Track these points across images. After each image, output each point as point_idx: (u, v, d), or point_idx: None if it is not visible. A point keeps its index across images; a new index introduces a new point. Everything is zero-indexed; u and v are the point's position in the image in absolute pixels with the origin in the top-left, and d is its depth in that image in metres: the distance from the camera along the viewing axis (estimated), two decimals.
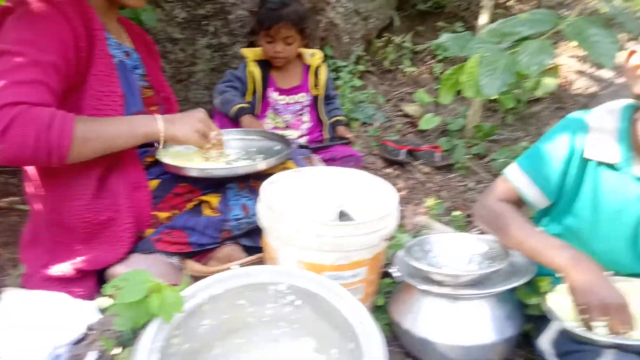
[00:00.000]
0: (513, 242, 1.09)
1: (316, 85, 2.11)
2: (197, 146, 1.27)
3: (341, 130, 2.15)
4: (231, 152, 1.43)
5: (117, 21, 1.37)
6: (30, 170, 1.19)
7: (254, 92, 2.06)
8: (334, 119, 2.18)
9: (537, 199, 1.10)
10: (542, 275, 1.10)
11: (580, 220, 1.06)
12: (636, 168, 0.97)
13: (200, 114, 1.26)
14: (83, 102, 1.17)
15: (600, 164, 1.03)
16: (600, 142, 1.02)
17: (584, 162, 1.04)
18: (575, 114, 1.09)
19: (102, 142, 1.11)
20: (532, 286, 1.13)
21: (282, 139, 1.52)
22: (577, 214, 1.06)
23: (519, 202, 1.14)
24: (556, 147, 1.07)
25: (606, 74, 2.94)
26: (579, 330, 0.92)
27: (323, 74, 2.10)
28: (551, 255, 1.00)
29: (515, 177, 1.12)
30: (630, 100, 1.05)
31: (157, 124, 1.18)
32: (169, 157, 1.32)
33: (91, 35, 1.17)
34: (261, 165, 1.28)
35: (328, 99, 2.19)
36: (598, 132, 1.03)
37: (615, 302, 0.92)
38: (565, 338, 0.95)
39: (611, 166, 1.01)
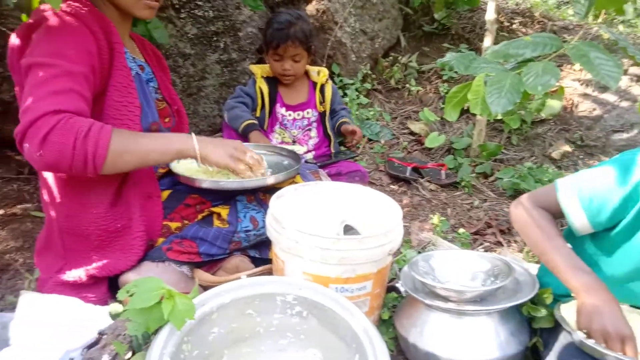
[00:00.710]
0: (537, 250, 1.10)
1: (322, 102, 2.15)
2: (232, 170, 1.27)
3: (346, 128, 2.14)
4: None
5: (129, 36, 1.42)
6: (49, 178, 1.22)
7: (262, 107, 2.10)
8: (340, 121, 2.18)
9: (582, 226, 1.07)
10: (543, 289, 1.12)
11: (628, 259, 1.03)
12: None
13: (236, 142, 1.28)
14: (103, 112, 1.20)
15: None
16: None
17: None
18: None
19: (137, 156, 1.13)
20: (536, 303, 1.15)
21: (292, 154, 1.55)
22: (626, 253, 1.03)
23: (557, 214, 1.12)
24: (619, 181, 1.01)
25: (610, 97, 2.98)
26: (590, 341, 0.92)
27: (328, 91, 2.15)
28: (569, 275, 1.01)
29: (566, 198, 1.07)
30: None
31: (192, 142, 1.20)
32: (181, 169, 1.35)
33: (111, 48, 1.21)
34: (270, 179, 1.31)
35: (334, 112, 2.23)
36: None
37: (618, 330, 0.92)
38: (572, 352, 0.96)
39: None
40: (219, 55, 2.59)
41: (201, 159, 1.22)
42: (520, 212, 1.14)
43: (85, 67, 1.11)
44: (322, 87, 2.15)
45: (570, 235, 1.15)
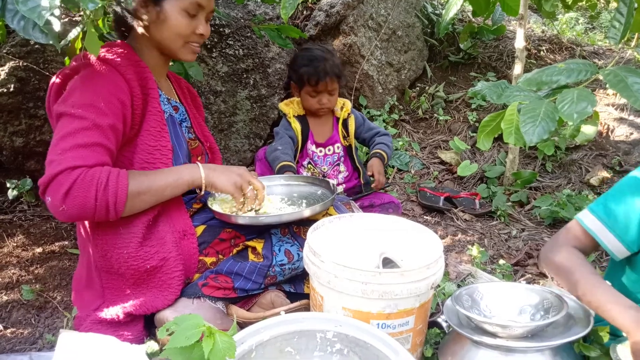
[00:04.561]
0: (577, 291, 1.05)
1: (346, 136, 2.14)
2: (232, 196, 1.29)
3: (371, 166, 2.06)
4: (275, 198, 1.46)
5: (166, 76, 1.45)
6: None
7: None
8: (372, 151, 2.12)
9: (615, 248, 1.05)
10: (600, 325, 1.05)
11: None
12: None
13: (241, 169, 1.30)
14: (135, 155, 1.23)
15: None
16: None
17: None
18: None
19: (152, 194, 1.17)
20: (589, 339, 1.07)
21: (325, 184, 1.54)
22: None
23: (590, 250, 1.10)
24: (636, 195, 1.01)
25: None
26: None
27: (352, 124, 2.13)
28: (615, 312, 0.96)
29: (590, 223, 1.08)
30: None
31: (200, 171, 1.23)
32: (217, 204, 1.35)
33: (146, 94, 1.24)
34: (306, 212, 1.30)
35: (370, 140, 2.18)
36: None
37: None
38: None
39: None
40: (249, 91, 2.64)
41: (208, 187, 1.24)
42: (552, 256, 1.12)
43: (115, 118, 1.14)
44: (345, 121, 2.13)
45: (610, 274, 1.11)
